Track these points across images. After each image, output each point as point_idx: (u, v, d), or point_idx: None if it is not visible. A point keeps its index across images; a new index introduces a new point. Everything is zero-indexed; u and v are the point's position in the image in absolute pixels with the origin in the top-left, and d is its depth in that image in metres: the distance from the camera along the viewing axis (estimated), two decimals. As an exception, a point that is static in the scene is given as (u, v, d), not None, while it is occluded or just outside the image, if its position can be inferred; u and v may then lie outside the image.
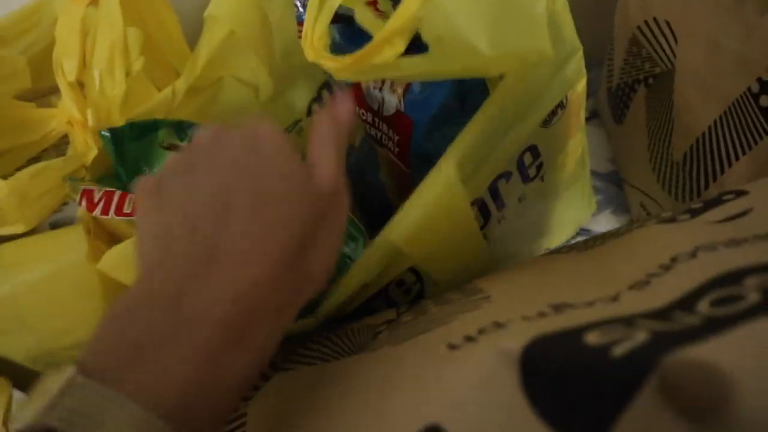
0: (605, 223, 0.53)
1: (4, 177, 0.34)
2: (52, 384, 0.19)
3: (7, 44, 0.40)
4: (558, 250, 0.35)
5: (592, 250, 0.30)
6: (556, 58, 0.33)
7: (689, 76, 0.41)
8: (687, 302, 0.19)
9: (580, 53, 0.35)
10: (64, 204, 0.38)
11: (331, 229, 0.26)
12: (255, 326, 0.22)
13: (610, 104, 0.53)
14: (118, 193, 0.33)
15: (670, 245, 0.24)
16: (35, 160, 0.39)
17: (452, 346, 0.22)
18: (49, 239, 0.35)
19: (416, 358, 0.24)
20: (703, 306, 0.18)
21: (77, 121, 0.37)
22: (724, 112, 0.39)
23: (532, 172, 0.39)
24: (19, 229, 0.35)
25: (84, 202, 0.33)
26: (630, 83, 0.48)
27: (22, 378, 0.33)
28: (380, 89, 0.41)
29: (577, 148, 0.41)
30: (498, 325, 0.22)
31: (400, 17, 0.29)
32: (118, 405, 0.18)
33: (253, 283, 0.22)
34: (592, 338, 0.18)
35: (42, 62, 0.39)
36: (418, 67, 0.29)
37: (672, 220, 0.28)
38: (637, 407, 0.16)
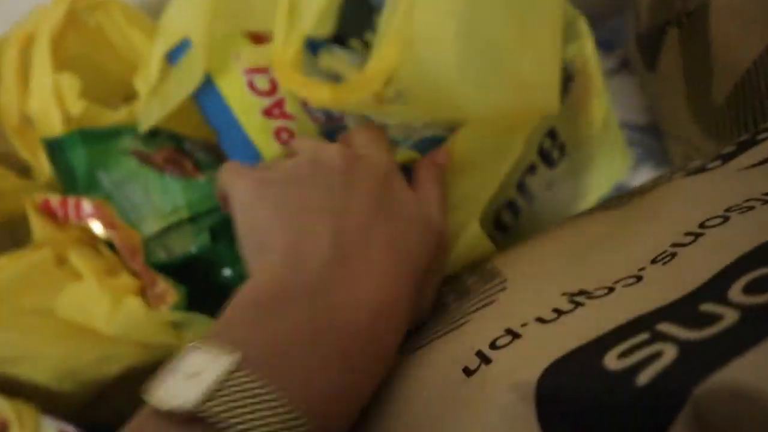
0: (647, 178, 0.49)
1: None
2: (204, 366, 0.19)
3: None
4: (583, 212, 0.32)
5: (617, 211, 0.27)
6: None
7: (727, 9, 0.37)
8: (716, 288, 0.15)
9: (579, 20, 0.33)
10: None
11: (438, 266, 0.27)
12: (387, 338, 0.22)
13: (640, 50, 0.49)
14: (72, 199, 0.32)
15: (698, 206, 0.21)
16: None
17: (468, 371, 0.20)
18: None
19: (434, 384, 0.21)
20: (735, 293, 0.15)
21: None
22: (769, 45, 0.34)
23: (555, 155, 0.36)
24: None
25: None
26: (660, 25, 0.44)
27: (49, 401, 0.32)
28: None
29: (599, 111, 0.38)
30: (513, 335, 0.20)
31: (380, 62, 0.27)
32: (269, 405, 0.18)
33: (395, 299, 0.23)
34: (612, 360, 0.15)
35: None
36: (401, 115, 0.29)
37: (701, 169, 0.24)
38: None
